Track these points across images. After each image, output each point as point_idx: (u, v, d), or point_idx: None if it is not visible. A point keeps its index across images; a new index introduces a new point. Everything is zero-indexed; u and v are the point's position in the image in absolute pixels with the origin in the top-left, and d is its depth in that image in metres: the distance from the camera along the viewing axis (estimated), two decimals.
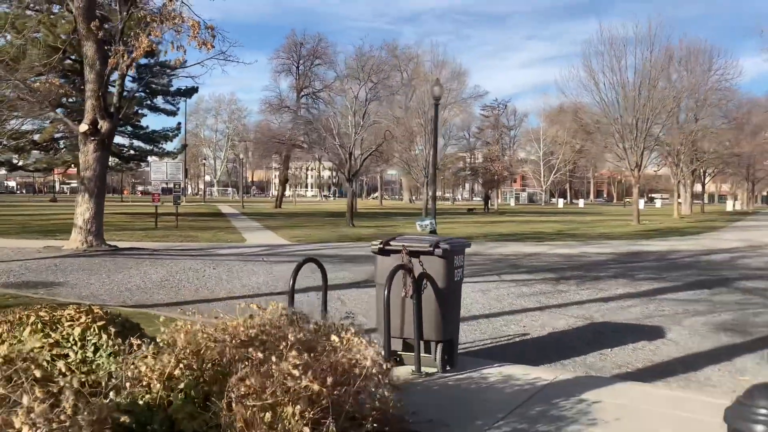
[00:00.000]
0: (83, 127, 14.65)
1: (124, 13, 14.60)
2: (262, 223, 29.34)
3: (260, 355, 3.23)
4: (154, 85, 34.68)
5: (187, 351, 3.61)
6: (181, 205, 24.99)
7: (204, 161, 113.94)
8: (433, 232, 21.27)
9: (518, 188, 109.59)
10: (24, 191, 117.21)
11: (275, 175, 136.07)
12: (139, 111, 35.52)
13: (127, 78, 36.42)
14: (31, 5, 31.90)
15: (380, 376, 3.51)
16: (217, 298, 9.41)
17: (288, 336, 3.42)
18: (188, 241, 19.00)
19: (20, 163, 34.11)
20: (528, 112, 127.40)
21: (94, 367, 3.87)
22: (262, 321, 3.72)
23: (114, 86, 17.04)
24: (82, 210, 14.83)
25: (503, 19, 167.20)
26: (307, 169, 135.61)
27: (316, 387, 3.02)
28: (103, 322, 4.04)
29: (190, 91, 36.46)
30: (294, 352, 3.19)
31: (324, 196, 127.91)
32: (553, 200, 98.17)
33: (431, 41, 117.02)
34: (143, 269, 12.29)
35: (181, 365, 3.49)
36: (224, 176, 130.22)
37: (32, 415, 2.42)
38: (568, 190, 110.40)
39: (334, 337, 3.59)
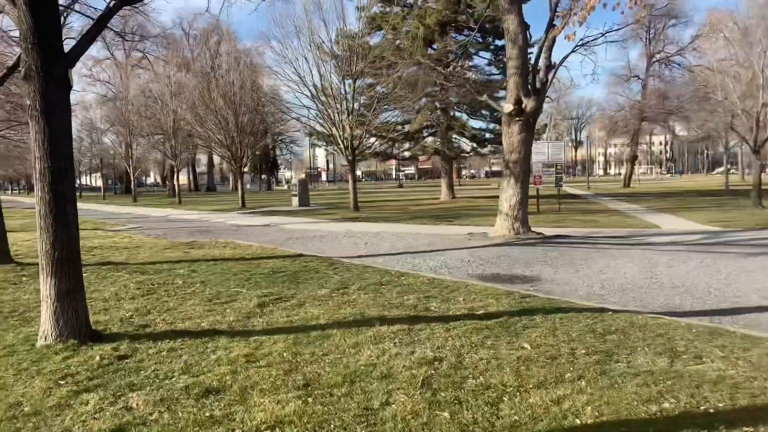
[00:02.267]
0: (508, 107, 13.79)
1: None
2: (642, 205, 26.31)
3: None
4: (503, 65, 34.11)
5: None
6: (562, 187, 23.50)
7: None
8: None
9: None
10: (368, 178, 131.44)
11: (589, 154, 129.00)
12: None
13: (482, 60, 36.70)
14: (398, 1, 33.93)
15: None
16: None
17: None
18: (591, 226, 17.25)
19: (393, 152, 36.64)
20: None
21: None
22: None
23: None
24: (508, 195, 14.03)
25: None
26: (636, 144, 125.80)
27: None
28: None
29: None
30: None
31: (659, 173, 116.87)
32: None
33: None
34: (600, 261, 10.72)
35: None
36: None
37: None
38: None
39: None
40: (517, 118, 13.76)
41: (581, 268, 10.14)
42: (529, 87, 13.77)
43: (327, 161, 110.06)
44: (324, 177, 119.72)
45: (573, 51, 13.88)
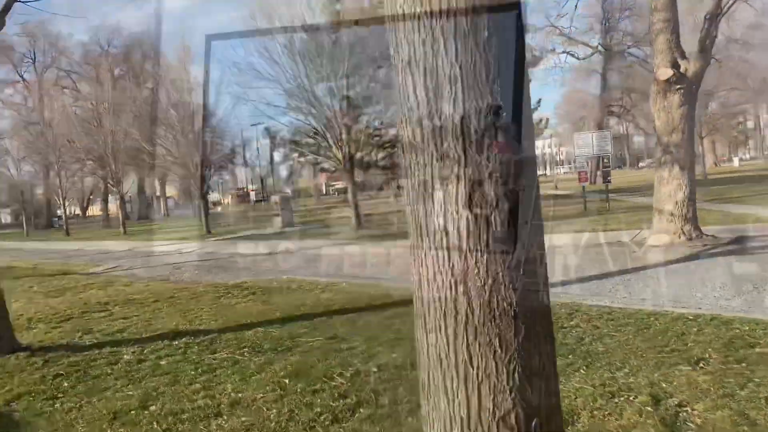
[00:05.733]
0: (665, 72, 10.46)
1: None
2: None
3: None
4: None
5: None
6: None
7: None
8: None
9: None
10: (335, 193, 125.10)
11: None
12: None
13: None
14: None
15: None
16: None
17: None
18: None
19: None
20: None
21: None
22: None
23: None
24: (671, 189, 10.65)
25: None
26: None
27: None
28: None
29: None
30: None
31: None
32: None
33: None
34: None
35: None
36: None
37: None
38: None
39: None
40: (677, 86, 10.47)
41: None
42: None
43: (261, 179, 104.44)
44: (253, 197, 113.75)
45: None
